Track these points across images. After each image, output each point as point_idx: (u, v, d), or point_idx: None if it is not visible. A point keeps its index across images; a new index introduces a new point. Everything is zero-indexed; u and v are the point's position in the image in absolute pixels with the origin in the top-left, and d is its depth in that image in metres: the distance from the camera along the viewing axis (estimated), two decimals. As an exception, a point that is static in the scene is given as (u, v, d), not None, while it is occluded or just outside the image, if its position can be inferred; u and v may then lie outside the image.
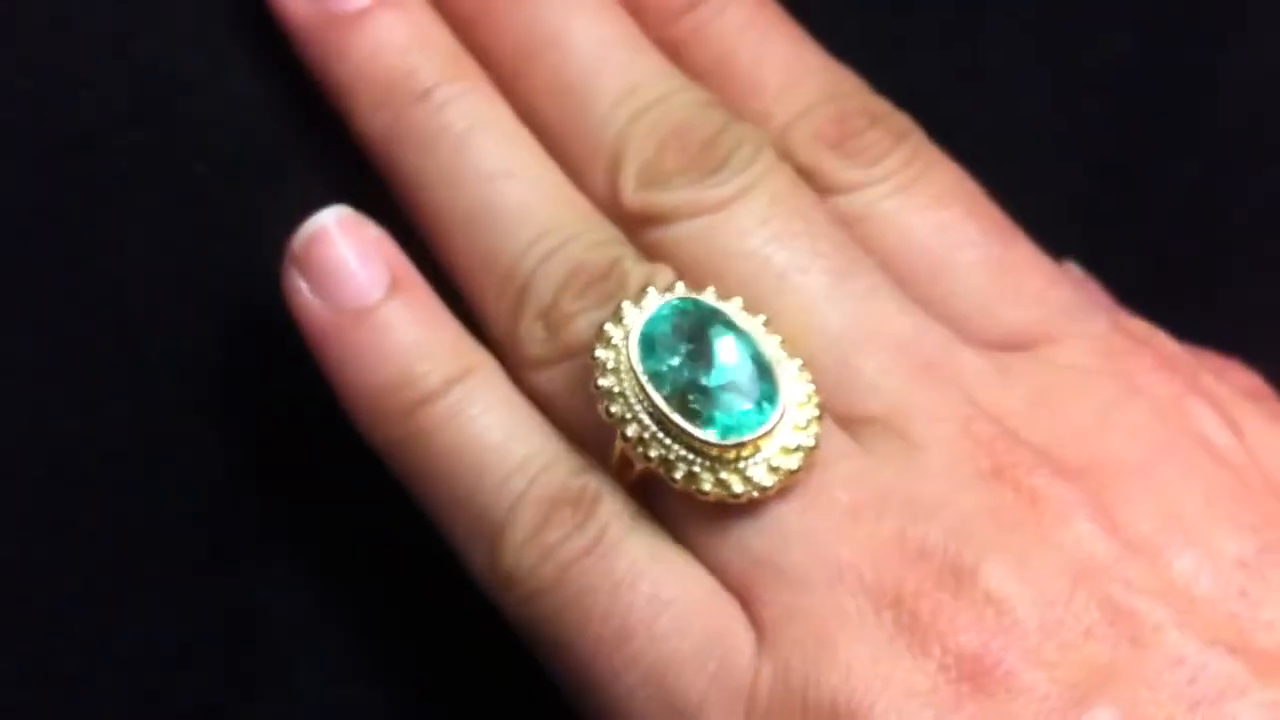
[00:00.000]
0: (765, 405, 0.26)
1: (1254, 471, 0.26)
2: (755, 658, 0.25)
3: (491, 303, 0.28)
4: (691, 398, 0.26)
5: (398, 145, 0.29)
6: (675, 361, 0.26)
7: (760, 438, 0.26)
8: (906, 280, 0.28)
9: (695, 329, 0.26)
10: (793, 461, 0.26)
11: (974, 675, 0.24)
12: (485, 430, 0.27)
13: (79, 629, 0.30)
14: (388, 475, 0.28)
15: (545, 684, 0.27)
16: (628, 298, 0.27)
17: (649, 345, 0.26)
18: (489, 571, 0.27)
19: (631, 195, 0.28)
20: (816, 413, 0.26)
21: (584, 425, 0.27)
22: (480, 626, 0.28)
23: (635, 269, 0.28)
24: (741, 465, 0.26)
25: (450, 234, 0.29)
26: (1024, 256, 0.29)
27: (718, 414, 0.26)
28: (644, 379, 0.26)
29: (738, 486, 0.26)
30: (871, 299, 0.27)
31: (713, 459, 0.26)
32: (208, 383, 0.31)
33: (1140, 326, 0.29)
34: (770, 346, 0.26)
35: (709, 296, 0.27)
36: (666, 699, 0.26)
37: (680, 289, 0.27)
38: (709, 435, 0.26)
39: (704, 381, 0.26)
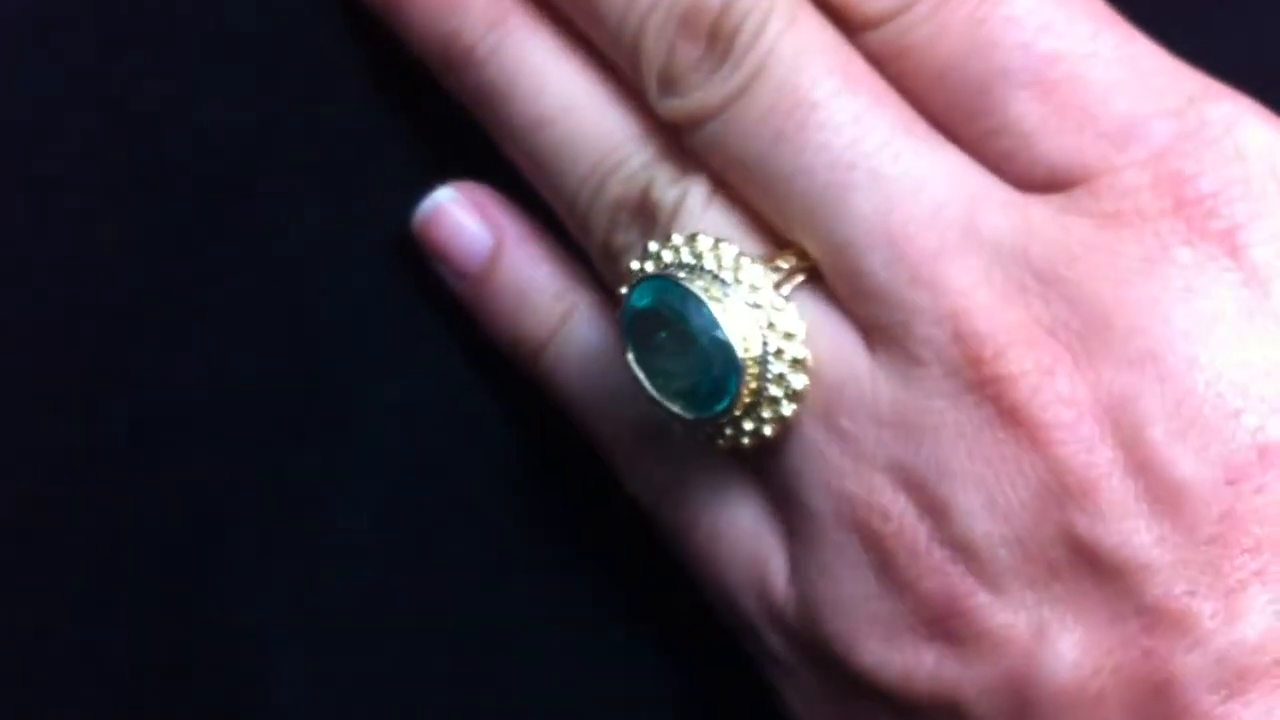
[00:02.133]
0: (726, 375, 0.26)
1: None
2: (785, 584, 0.27)
3: (578, 241, 0.30)
4: (670, 376, 0.26)
5: (470, 105, 0.30)
6: (661, 336, 0.26)
7: (736, 403, 0.26)
8: (944, 119, 0.26)
9: (662, 313, 0.26)
10: (786, 408, 0.26)
11: (944, 617, 0.25)
12: None
13: (57, 646, 0.30)
14: (367, 496, 0.28)
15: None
16: (662, 227, 0.27)
17: (635, 327, 0.27)
18: None
19: (657, 105, 0.28)
20: (801, 354, 0.26)
21: None
22: (458, 650, 0.29)
23: (666, 194, 0.28)
24: (740, 421, 0.26)
25: (530, 179, 0.30)
26: (1068, 71, 0.26)
27: (692, 391, 0.26)
28: (634, 365, 0.27)
29: (746, 440, 0.26)
30: (885, 183, 0.26)
31: (706, 424, 0.26)
32: (169, 399, 0.31)
33: (1195, 130, 0.25)
34: (743, 294, 0.26)
35: (688, 255, 0.26)
36: (733, 613, 0.28)
37: (650, 265, 0.26)
38: (689, 413, 0.26)
39: (676, 360, 0.26)
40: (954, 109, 0.26)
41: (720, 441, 0.26)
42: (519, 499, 0.31)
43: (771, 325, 0.26)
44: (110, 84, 0.31)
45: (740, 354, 0.26)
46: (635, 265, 0.27)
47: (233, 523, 0.31)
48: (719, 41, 0.27)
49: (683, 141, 0.28)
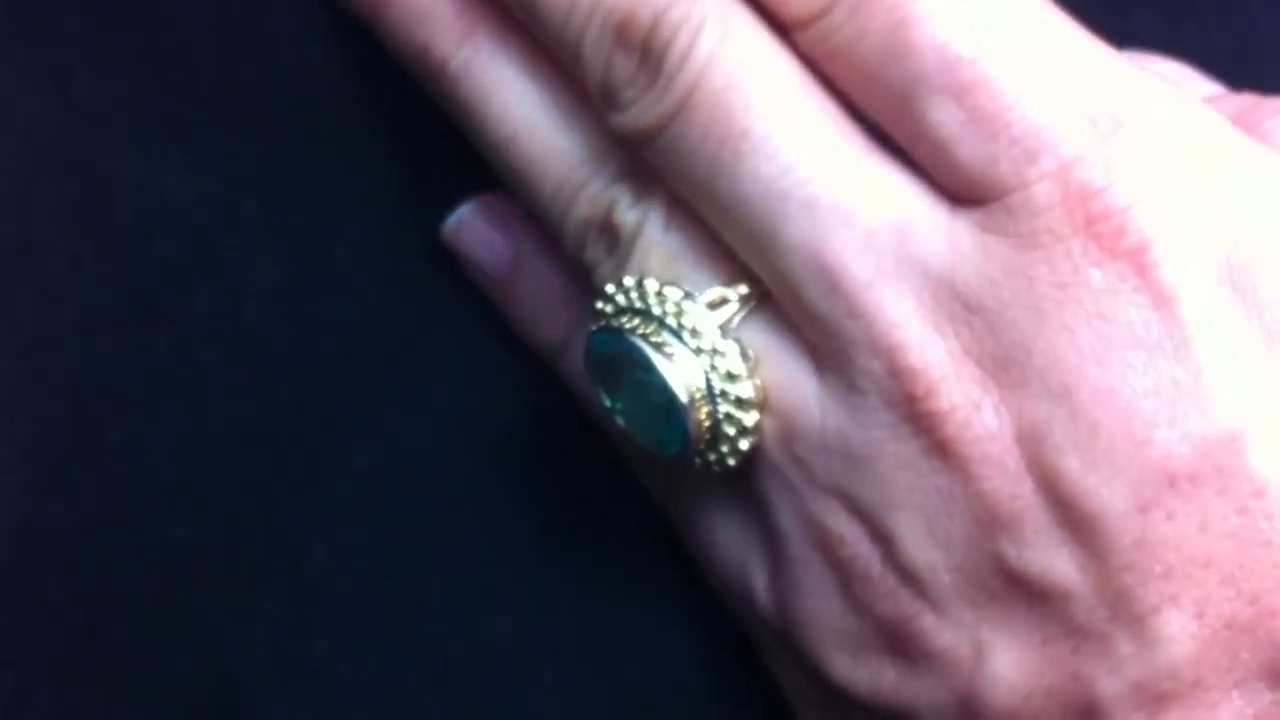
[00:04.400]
0: (673, 424, 0.27)
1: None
2: (768, 596, 0.28)
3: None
4: (634, 421, 0.27)
5: (451, 118, 0.31)
6: (624, 381, 0.27)
7: (694, 446, 0.27)
8: (878, 121, 0.26)
9: (615, 363, 0.27)
10: (743, 442, 0.27)
11: (898, 638, 0.26)
12: None
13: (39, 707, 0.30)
14: (337, 556, 0.29)
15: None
16: (623, 250, 0.28)
17: (601, 369, 0.27)
18: None
19: (606, 119, 0.27)
20: (747, 393, 0.26)
21: None
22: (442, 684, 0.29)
23: (627, 216, 0.28)
24: (705, 453, 0.27)
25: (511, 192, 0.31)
26: (981, 74, 0.25)
27: (653, 436, 0.27)
28: (607, 403, 0.28)
29: (716, 467, 0.27)
30: (817, 213, 0.25)
31: (661, 456, 0.27)
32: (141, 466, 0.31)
33: (1098, 151, 0.25)
34: (684, 341, 0.26)
35: (633, 307, 0.27)
36: (734, 598, 0.29)
37: (607, 305, 0.27)
38: (659, 452, 0.27)
39: (633, 408, 0.27)
40: (882, 113, 0.26)
41: (697, 464, 0.27)
42: (490, 547, 0.31)
43: (714, 368, 0.26)
44: (78, 153, 0.31)
45: (685, 400, 0.26)
46: (598, 304, 0.27)
47: (204, 580, 0.31)
48: (651, 56, 0.26)
49: (639, 156, 0.28)
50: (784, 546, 0.27)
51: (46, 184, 0.31)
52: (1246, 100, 0.28)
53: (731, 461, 0.27)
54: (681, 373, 0.26)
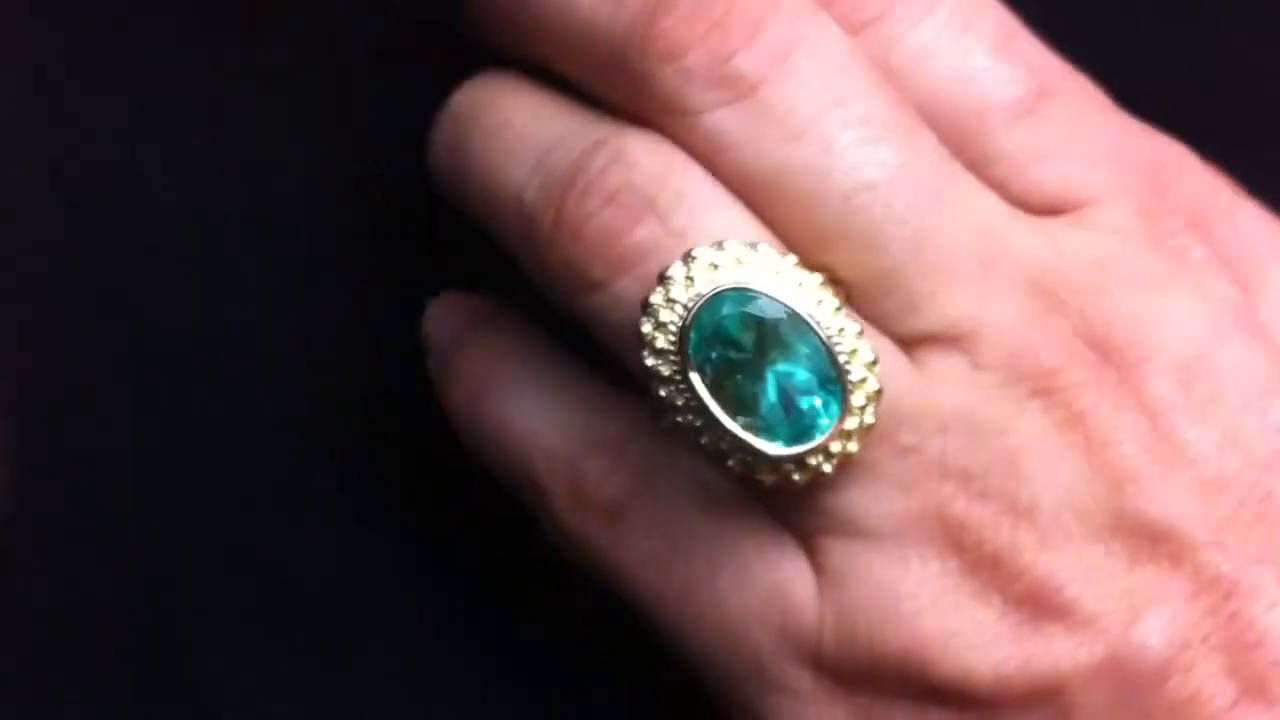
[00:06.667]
0: (826, 407, 0.25)
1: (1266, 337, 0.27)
2: (819, 610, 0.26)
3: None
4: (749, 401, 0.25)
5: None
6: (731, 356, 0.25)
7: (824, 440, 0.25)
8: (941, 140, 0.27)
9: (754, 326, 0.25)
10: (853, 445, 0.25)
11: (1035, 617, 0.25)
12: None
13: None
14: (327, 555, 0.29)
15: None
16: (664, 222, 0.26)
17: (700, 335, 0.25)
18: None
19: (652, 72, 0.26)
20: (878, 386, 0.25)
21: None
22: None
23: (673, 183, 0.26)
24: (802, 457, 0.25)
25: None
26: (1061, 106, 0.27)
27: (778, 424, 0.25)
28: (698, 378, 0.25)
29: (798, 476, 0.25)
30: (934, 205, 0.26)
31: (772, 459, 0.25)
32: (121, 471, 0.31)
33: (1172, 160, 0.28)
34: (826, 315, 0.25)
35: (761, 270, 0.25)
36: (740, 655, 0.27)
37: (729, 264, 0.25)
38: (773, 448, 0.25)
39: (763, 385, 0.25)
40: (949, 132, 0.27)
41: (764, 478, 0.25)
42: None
43: (854, 351, 0.25)
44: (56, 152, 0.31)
45: (846, 365, 0.25)
46: (680, 271, 0.25)
47: (179, 590, 0.31)
48: (743, 29, 0.26)
49: (673, 126, 0.26)
50: (863, 551, 0.26)
51: (27, 179, 0.31)
52: None
53: (828, 468, 0.25)
54: (837, 345, 0.25)
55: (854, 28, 0.27)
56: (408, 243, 0.32)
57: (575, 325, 0.27)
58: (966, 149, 0.27)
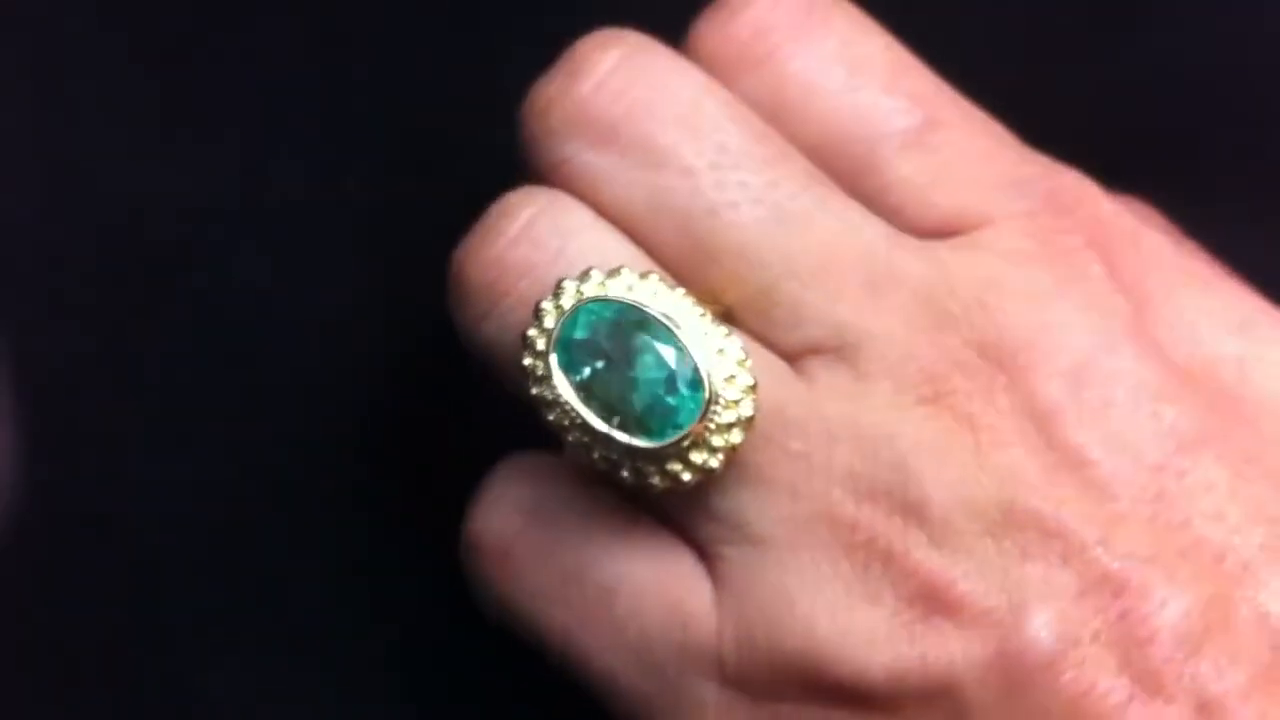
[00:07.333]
0: (692, 397, 0.26)
1: (1166, 355, 0.28)
2: (718, 620, 0.27)
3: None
4: (618, 403, 0.26)
5: None
6: (599, 365, 0.26)
7: (696, 429, 0.26)
8: (834, 173, 0.28)
9: (613, 333, 0.26)
10: (735, 436, 0.26)
11: (927, 614, 0.26)
12: None
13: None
14: (324, 561, 0.29)
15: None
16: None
17: (568, 352, 0.26)
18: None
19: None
20: (750, 380, 0.26)
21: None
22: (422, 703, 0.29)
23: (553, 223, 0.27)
24: (686, 453, 0.26)
25: None
26: (952, 135, 0.28)
27: (648, 417, 0.26)
28: (571, 392, 0.26)
29: (687, 475, 0.26)
30: (807, 222, 0.27)
31: (654, 456, 0.26)
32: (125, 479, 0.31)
33: (1070, 186, 0.29)
34: (691, 322, 0.26)
35: (620, 287, 0.26)
36: (645, 676, 0.27)
37: (593, 285, 0.26)
38: (644, 442, 0.26)
39: (628, 385, 0.26)
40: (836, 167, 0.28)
41: (656, 481, 0.26)
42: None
43: (721, 351, 0.26)
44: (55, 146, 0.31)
45: (705, 369, 0.26)
46: (530, 331, 0.26)
47: (177, 587, 0.31)
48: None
49: (556, 177, 0.28)
50: (756, 556, 0.27)
51: (22, 175, 0.31)
52: None
53: (714, 463, 0.26)
54: (698, 350, 0.26)
55: (744, 68, 0.28)
56: (407, 242, 0.32)
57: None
58: (862, 181, 0.28)
